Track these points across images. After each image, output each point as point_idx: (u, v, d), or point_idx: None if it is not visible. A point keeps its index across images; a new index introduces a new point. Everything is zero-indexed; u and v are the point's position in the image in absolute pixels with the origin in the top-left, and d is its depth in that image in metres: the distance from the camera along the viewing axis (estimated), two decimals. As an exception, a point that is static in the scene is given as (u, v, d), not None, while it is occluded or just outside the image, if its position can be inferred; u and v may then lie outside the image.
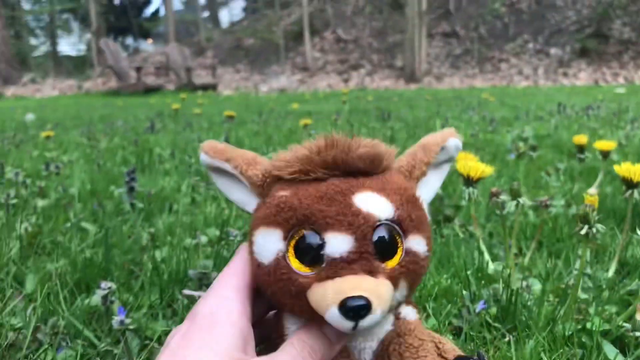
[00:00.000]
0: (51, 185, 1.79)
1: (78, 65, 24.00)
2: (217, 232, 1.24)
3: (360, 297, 0.42)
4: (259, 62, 19.13)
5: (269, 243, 0.47)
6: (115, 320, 0.76)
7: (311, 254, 0.45)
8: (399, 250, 0.47)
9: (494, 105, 5.77)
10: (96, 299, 0.87)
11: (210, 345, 0.46)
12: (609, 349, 0.73)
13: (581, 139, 1.36)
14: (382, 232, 0.46)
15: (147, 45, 30.83)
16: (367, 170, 0.49)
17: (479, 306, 0.83)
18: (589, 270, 1.00)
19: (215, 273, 0.90)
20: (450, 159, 0.56)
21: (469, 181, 1.03)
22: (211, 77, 15.74)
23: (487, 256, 1.05)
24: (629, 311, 0.83)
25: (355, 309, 0.42)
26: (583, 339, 0.77)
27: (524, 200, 0.98)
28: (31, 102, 10.40)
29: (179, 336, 0.48)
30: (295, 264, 0.46)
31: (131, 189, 1.41)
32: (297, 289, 0.45)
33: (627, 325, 0.78)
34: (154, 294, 0.94)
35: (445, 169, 0.56)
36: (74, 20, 30.10)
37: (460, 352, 0.60)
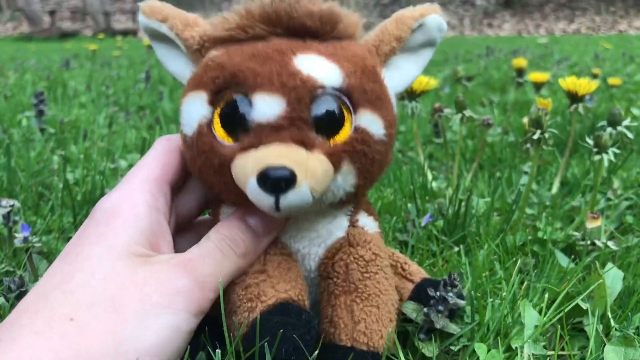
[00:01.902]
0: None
1: (-15, 8, 22.38)
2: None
3: (283, 167, 0.35)
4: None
5: (194, 109, 0.39)
6: (18, 237, 0.66)
7: (237, 121, 0.38)
8: (346, 124, 0.39)
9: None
10: (-4, 219, 0.75)
11: (107, 239, 0.38)
12: (561, 257, 0.70)
13: (520, 61, 1.33)
14: (325, 102, 0.38)
15: (62, -12, 29.08)
16: (317, 31, 0.41)
17: (425, 219, 0.78)
18: (533, 186, 0.97)
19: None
20: (431, 43, 0.46)
21: (412, 94, 0.96)
22: (131, 23, 15.02)
23: (429, 175, 1.00)
24: (578, 221, 0.81)
25: (274, 179, 0.35)
26: (535, 249, 0.73)
27: (469, 112, 0.93)
28: None
29: (75, 235, 0.40)
30: (220, 133, 0.39)
31: (40, 113, 1.26)
32: (220, 161, 0.38)
33: (577, 234, 0.75)
34: (66, 216, 0.83)
35: (424, 56, 0.46)
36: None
37: (425, 275, 0.55)
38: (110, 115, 1.64)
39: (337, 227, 0.44)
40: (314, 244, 0.44)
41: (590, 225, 0.72)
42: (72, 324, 0.34)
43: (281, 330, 0.37)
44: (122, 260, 0.37)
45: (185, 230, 0.48)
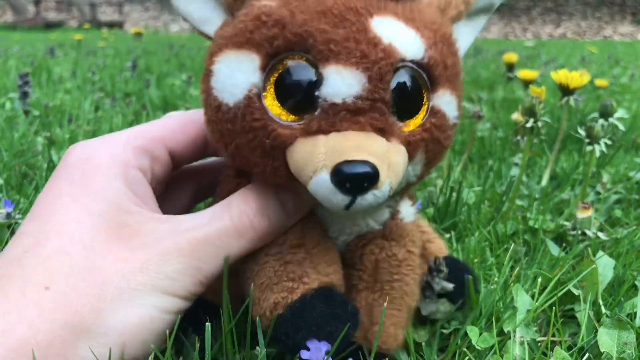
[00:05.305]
0: None
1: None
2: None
3: (365, 162, 0.29)
4: (169, 0, 18.25)
5: (239, 73, 0.32)
6: (1, 213, 0.64)
7: (300, 95, 0.31)
8: (423, 106, 0.33)
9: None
10: (-23, 196, 0.74)
11: (85, 203, 0.34)
12: (552, 246, 0.69)
13: (511, 56, 1.33)
14: (404, 78, 0.32)
15: (48, -22, 28.73)
16: None
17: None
18: (523, 179, 0.97)
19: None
20: (488, 8, 0.41)
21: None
22: (118, 15, 14.91)
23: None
24: (568, 212, 0.80)
25: (356, 177, 0.29)
26: (526, 237, 0.73)
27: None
28: None
29: (46, 187, 0.36)
30: (274, 108, 0.32)
31: (25, 94, 1.23)
32: (274, 143, 0.32)
33: (567, 224, 0.75)
34: (50, 196, 0.81)
35: (479, 23, 0.41)
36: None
37: (446, 252, 0.51)
38: (96, 101, 1.62)
39: (376, 220, 0.39)
40: (344, 233, 0.39)
41: (581, 215, 0.72)
42: (48, 294, 0.31)
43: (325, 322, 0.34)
44: (104, 229, 0.34)
45: (172, 181, 0.44)
